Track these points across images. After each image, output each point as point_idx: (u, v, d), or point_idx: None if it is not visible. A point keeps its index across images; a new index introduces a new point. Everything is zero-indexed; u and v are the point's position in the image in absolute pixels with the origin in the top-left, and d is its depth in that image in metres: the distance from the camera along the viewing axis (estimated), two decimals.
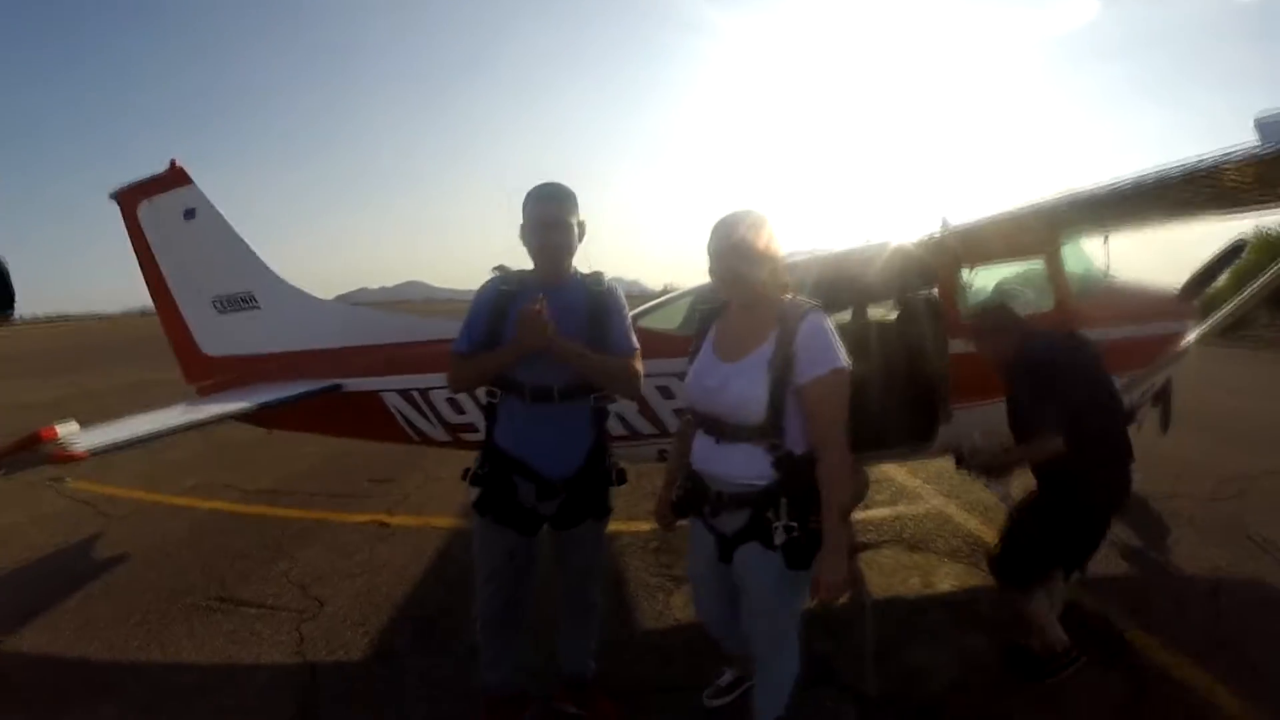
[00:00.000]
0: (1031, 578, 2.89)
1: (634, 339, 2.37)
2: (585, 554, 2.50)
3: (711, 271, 2.03)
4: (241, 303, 4.58)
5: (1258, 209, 3.18)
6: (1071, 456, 2.66)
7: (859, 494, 4.88)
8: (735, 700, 2.69)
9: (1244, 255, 4.73)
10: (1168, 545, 4.29)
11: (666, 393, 3.74)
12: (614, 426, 3.65)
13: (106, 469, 6.29)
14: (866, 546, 4.37)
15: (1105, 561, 4.02)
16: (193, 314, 4.73)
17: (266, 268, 4.59)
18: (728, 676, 2.76)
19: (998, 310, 3.14)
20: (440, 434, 4.09)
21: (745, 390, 1.93)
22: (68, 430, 2.95)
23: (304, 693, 3.01)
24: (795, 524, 1.90)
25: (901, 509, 5.03)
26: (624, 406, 3.58)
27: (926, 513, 4.92)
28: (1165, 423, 4.99)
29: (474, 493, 2.34)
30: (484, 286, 2.39)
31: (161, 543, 4.83)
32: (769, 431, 1.91)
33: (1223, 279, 4.67)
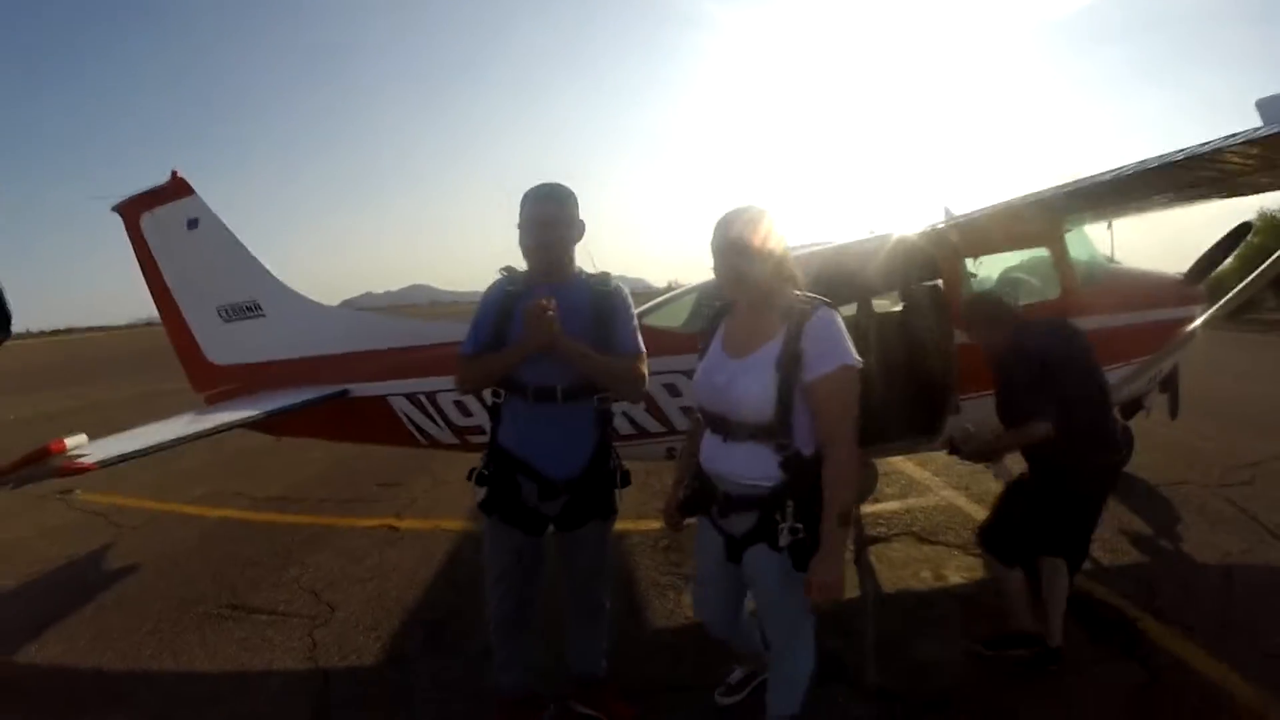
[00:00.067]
0: (1016, 556, 2.95)
1: (640, 342, 2.36)
2: (590, 555, 2.49)
3: (714, 269, 2.02)
4: (247, 311, 4.60)
5: (1261, 190, 3.18)
6: (1062, 446, 2.72)
7: (867, 488, 4.87)
8: (746, 698, 2.69)
9: (1249, 238, 4.71)
10: (1178, 532, 4.27)
11: (673, 390, 3.75)
12: (621, 425, 3.66)
13: (116, 480, 6.29)
14: (876, 540, 4.37)
15: (1115, 550, 4.02)
16: (198, 323, 4.76)
17: (270, 275, 4.61)
18: (738, 674, 2.76)
19: (990, 300, 3.18)
20: (447, 437, 4.10)
21: (753, 388, 1.90)
22: (77, 443, 2.97)
23: (317, 698, 3.01)
24: (801, 525, 1.88)
25: (911, 501, 5.01)
26: (631, 405, 3.59)
27: (936, 505, 4.90)
28: (1174, 409, 4.98)
29: (480, 493, 2.35)
30: (490, 288, 2.41)
31: (172, 552, 4.86)
32: (776, 431, 1.89)
33: (1229, 262, 4.66)
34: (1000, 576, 3.01)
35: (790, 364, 1.87)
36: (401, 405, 4.10)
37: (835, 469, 1.86)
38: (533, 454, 2.29)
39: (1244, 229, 4.62)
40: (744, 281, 1.95)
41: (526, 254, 2.32)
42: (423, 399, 4.04)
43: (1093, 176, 2.88)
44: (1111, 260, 4.62)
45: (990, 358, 3.00)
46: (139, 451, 3.29)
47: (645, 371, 2.35)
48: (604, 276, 2.40)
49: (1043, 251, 4.18)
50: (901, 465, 5.76)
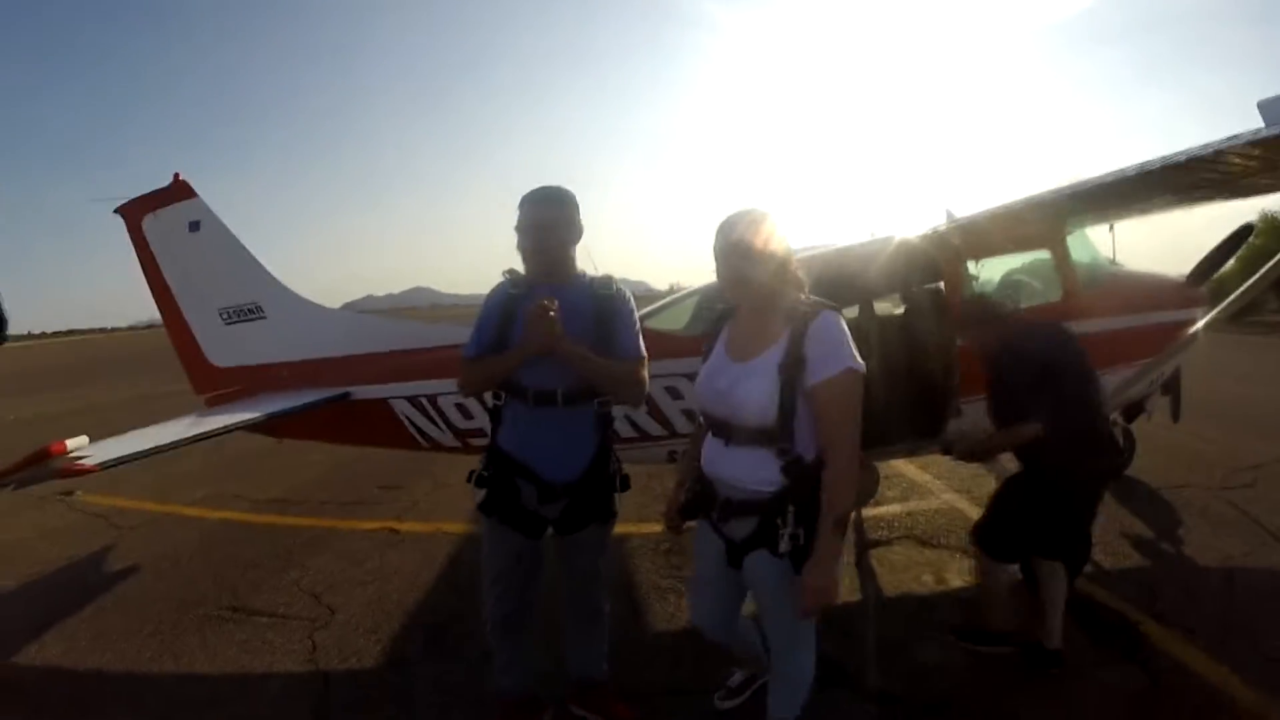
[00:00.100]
0: (1009, 555, 3.00)
1: (641, 346, 2.36)
2: (589, 558, 2.49)
3: (717, 272, 2.01)
4: (248, 313, 4.60)
5: (1263, 192, 3.17)
6: (1054, 447, 2.76)
7: (869, 491, 4.87)
8: (746, 702, 2.68)
9: (1251, 239, 4.71)
10: (1180, 536, 4.26)
11: (675, 393, 3.74)
12: (623, 428, 3.66)
13: (116, 481, 6.30)
14: (878, 543, 4.36)
15: (1117, 553, 4.01)
16: (200, 325, 4.76)
17: (272, 277, 4.61)
18: (738, 677, 2.75)
19: (979, 302, 3.24)
20: (449, 440, 4.10)
21: (755, 392, 1.89)
22: (78, 444, 2.97)
23: (317, 701, 3.01)
24: (802, 531, 1.87)
25: (913, 505, 5.01)
26: (632, 408, 3.59)
27: (938, 508, 4.90)
28: (1176, 412, 4.97)
29: (479, 494, 2.35)
30: (493, 290, 2.41)
31: (173, 553, 4.85)
32: (778, 435, 1.87)
33: (1230, 264, 4.65)
34: (987, 570, 3.04)
35: (793, 368, 1.85)
36: (403, 408, 4.10)
37: (835, 473, 1.85)
38: (533, 457, 2.29)
39: (1245, 231, 4.62)
40: (746, 285, 1.94)
41: (524, 257, 2.33)
42: (424, 402, 4.04)
43: (1094, 178, 2.88)
44: (1113, 262, 4.62)
45: (981, 358, 3.05)
46: (140, 453, 3.29)
47: (646, 376, 2.35)
48: (606, 279, 2.40)
49: (1044, 254, 4.18)
50: (903, 468, 5.75)
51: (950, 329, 3.95)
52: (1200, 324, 4.04)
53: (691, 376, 2.18)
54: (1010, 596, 2.99)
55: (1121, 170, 2.69)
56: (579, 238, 2.36)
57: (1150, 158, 2.54)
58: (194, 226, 4.58)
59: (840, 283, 4.12)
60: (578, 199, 2.34)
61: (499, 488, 2.32)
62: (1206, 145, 2.30)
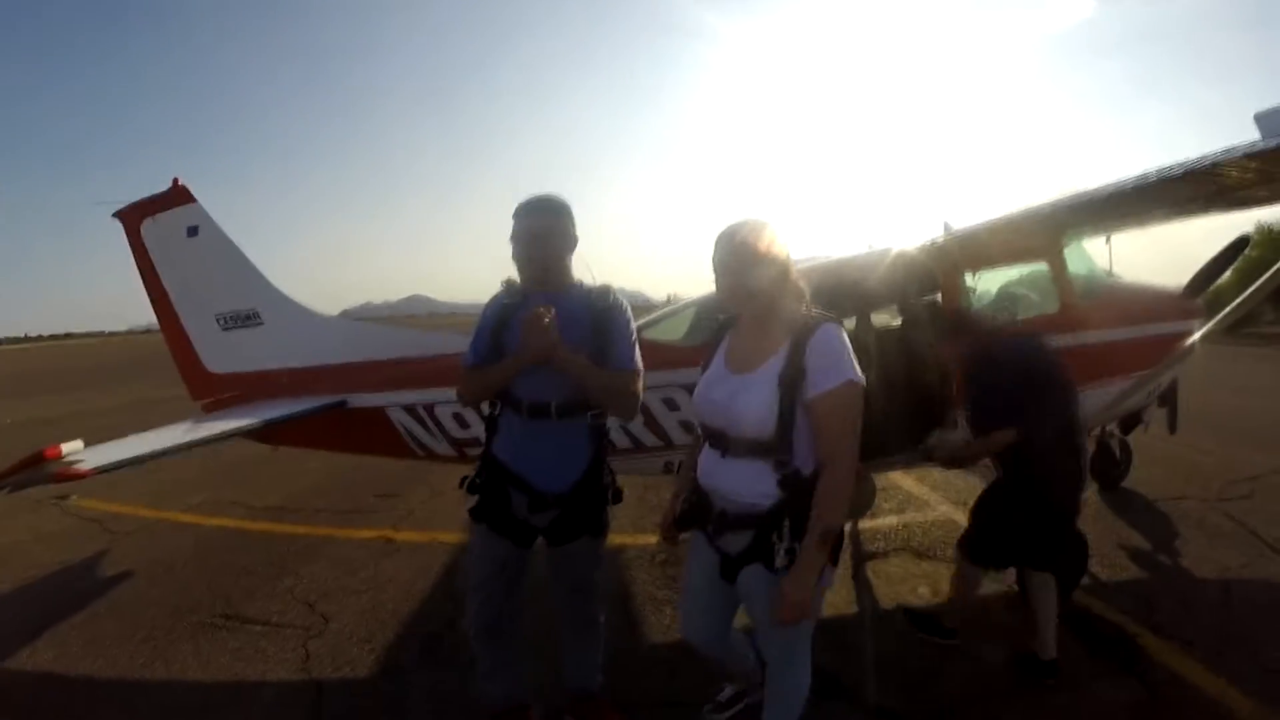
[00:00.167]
0: (995, 561, 3.16)
1: (637, 359, 2.35)
2: (581, 570, 2.47)
3: (716, 283, 2.01)
4: (246, 319, 4.59)
5: (1260, 204, 3.18)
6: (1030, 456, 2.86)
7: (866, 503, 4.86)
8: (736, 715, 2.65)
9: (1247, 251, 4.72)
10: (1176, 547, 4.26)
11: (671, 405, 3.73)
12: (619, 438, 3.64)
13: (112, 486, 6.28)
14: (874, 555, 4.35)
15: (1114, 565, 4.01)
16: (197, 331, 4.75)
17: (270, 284, 4.60)
18: (728, 692, 2.70)
19: (956, 313, 3.39)
20: (445, 449, 4.08)
21: (753, 404, 1.88)
22: (73, 449, 2.96)
23: (310, 710, 2.99)
24: (798, 546, 1.85)
25: (909, 517, 5.00)
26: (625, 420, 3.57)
27: (935, 520, 4.89)
28: (1173, 423, 4.97)
29: (470, 500, 2.35)
30: (490, 300, 2.42)
31: (167, 559, 4.83)
32: (776, 448, 1.86)
33: (1227, 275, 4.67)
34: (963, 574, 3.16)
35: (793, 380, 1.84)
36: (400, 417, 4.09)
37: (830, 486, 1.83)
38: (527, 468, 2.29)
39: (1242, 242, 4.63)
40: (746, 295, 1.94)
41: (520, 266, 2.33)
42: (421, 410, 4.03)
43: (1091, 191, 2.89)
44: (1110, 274, 4.62)
45: (959, 367, 3.16)
46: (135, 459, 3.28)
47: (640, 389, 2.34)
48: (604, 289, 2.40)
49: (1042, 266, 4.18)
50: (899, 480, 5.75)
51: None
52: (1197, 335, 4.04)
53: (689, 388, 2.17)
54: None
55: (1119, 182, 2.70)
56: (574, 247, 2.36)
57: (1148, 170, 2.55)
58: (192, 232, 4.57)
59: (838, 294, 4.12)
60: (572, 209, 2.34)
61: (490, 495, 2.32)
62: (1203, 157, 2.31)
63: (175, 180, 4.59)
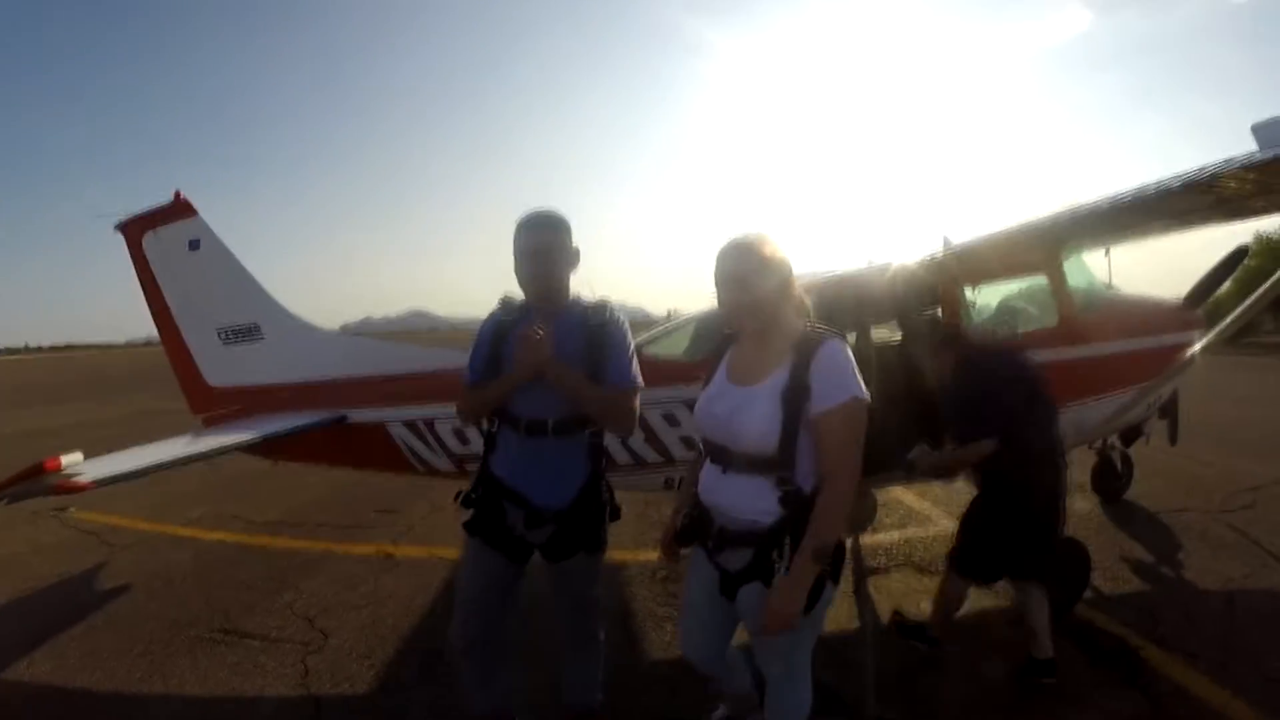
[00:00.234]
0: (985, 575, 3.19)
1: (635, 375, 2.33)
2: (578, 587, 2.44)
3: (718, 297, 2.00)
4: (246, 334, 4.60)
5: (1258, 215, 3.19)
6: (1009, 467, 2.91)
7: (866, 518, 4.85)
8: None
9: (1246, 261, 4.74)
10: (1179, 559, 4.25)
11: (672, 420, 3.72)
12: (619, 454, 3.63)
13: (111, 499, 6.26)
14: (876, 570, 4.33)
15: (1116, 578, 3.99)
16: (198, 345, 4.75)
17: (271, 298, 4.61)
18: (720, 712, 2.66)
19: (938, 327, 3.47)
20: (445, 464, 4.07)
21: (756, 418, 1.86)
22: (72, 461, 2.95)
23: None
24: None
25: (911, 532, 4.99)
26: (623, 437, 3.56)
27: (936, 535, 4.86)
28: (1174, 435, 4.97)
29: (465, 514, 2.34)
30: (486, 318, 2.42)
31: (166, 573, 4.81)
32: (778, 464, 1.83)
33: (1226, 286, 4.68)
34: (949, 586, 3.20)
35: (797, 395, 1.81)
36: (400, 432, 4.08)
37: (830, 501, 1.80)
38: (524, 485, 2.28)
39: (1241, 252, 4.64)
40: (747, 310, 1.92)
41: (522, 283, 2.32)
42: (421, 426, 4.02)
43: (1090, 203, 2.90)
44: (1109, 286, 4.63)
45: (942, 379, 3.19)
46: (134, 472, 3.28)
47: (637, 405, 2.32)
48: (601, 305, 2.38)
49: (1041, 279, 4.19)
50: (901, 495, 5.73)
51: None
52: (1197, 346, 4.05)
53: (689, 403, 2.15)
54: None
55: (1117, 194, 2.71)
56: (574, 262, 2.35)
57: (1146, 182, 2.56)
58: (194, 245, 4.58)
59: (839, 309, 4.12)
60: (571, 224, 2.34)
61: (486, 509, 2.32)
62: (1202, 169, 2.32)
63: (177, 193, 4.60)
